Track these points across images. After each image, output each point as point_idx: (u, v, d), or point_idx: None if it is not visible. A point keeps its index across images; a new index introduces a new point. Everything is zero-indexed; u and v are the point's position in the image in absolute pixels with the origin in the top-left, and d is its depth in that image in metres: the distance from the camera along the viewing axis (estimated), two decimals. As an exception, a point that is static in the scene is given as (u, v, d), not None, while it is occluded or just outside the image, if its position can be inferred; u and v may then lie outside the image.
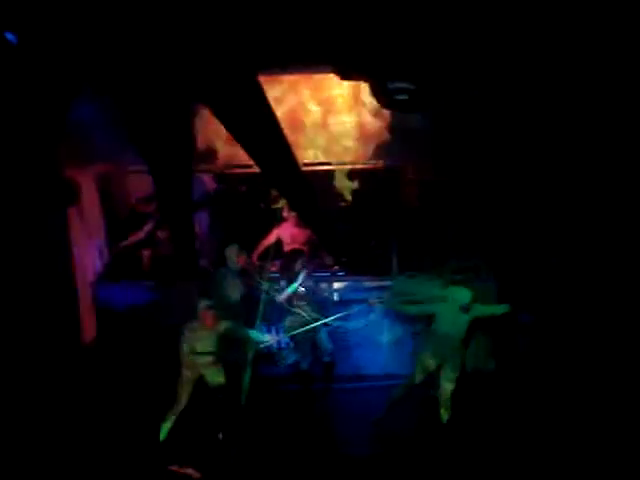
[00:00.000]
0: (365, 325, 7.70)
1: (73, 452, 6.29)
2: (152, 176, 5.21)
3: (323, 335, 7.45)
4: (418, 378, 6.80)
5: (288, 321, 7.49)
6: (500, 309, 6.80)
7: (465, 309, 6.62)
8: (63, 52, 4.59)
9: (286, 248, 8.40)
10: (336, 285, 7.82)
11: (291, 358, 7.92)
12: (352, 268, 8.05)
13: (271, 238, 8.39)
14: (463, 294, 6.64)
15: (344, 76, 5.66)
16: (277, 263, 8.43)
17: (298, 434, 6.79)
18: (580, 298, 7.15)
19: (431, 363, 6.75)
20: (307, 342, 7.51)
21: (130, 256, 8.67)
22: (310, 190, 6.97)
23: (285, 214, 8.48)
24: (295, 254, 7.83)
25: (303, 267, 7.52)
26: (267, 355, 7.91)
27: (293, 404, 7.40)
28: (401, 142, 7.98)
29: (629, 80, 5.51)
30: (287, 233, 8.41)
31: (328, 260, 8.01)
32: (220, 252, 7.86)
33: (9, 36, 4.84)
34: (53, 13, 4.42)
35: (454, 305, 6.64)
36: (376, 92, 5.06)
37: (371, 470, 6.10)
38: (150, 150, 5.01)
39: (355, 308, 7.55)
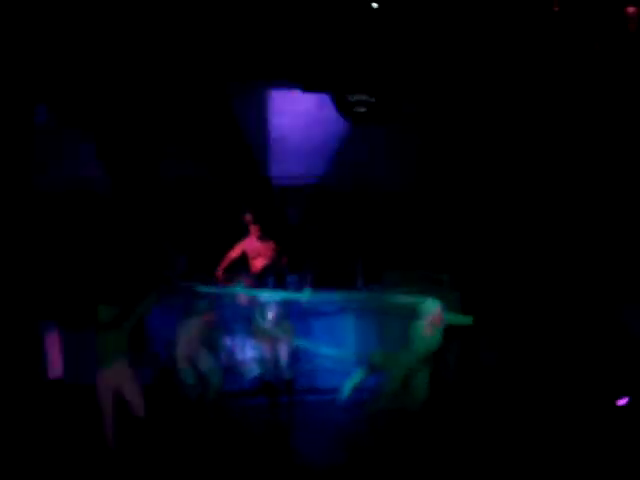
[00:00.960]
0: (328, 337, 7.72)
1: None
2: None
3: (283, 358, 7.51)
4: (391, 391, 6.76)
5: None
6: (466, 320, 6.82)
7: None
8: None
9: (251, 261, 8.40)
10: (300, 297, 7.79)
11: (255, 371, 7.92)
12: (317, 280, 8.05)
13: (236, 251, 8.37)
14: (434, 308, 6.50)
15: (307, 88, 5.72)
16: (243, 276, 8.41)
17: (260, 446, 6.77)
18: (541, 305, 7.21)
19: (402, 376, 6.71)
20: (271, 356, 7.54)
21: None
22: (276, 202, 7.03)
23: (250, 227, 8.46)
24: (269, 269, 7.86)
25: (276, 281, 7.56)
26: (231, 368, 7.89)
27: (256, 416, 7.43)
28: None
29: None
30: (252, 246, 8.39)
31: (292, 272, 8.01)
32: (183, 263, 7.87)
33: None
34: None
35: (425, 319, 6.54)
36: (338, 104, 5.14)
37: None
38: None
39: (319, 320, 7.57)
